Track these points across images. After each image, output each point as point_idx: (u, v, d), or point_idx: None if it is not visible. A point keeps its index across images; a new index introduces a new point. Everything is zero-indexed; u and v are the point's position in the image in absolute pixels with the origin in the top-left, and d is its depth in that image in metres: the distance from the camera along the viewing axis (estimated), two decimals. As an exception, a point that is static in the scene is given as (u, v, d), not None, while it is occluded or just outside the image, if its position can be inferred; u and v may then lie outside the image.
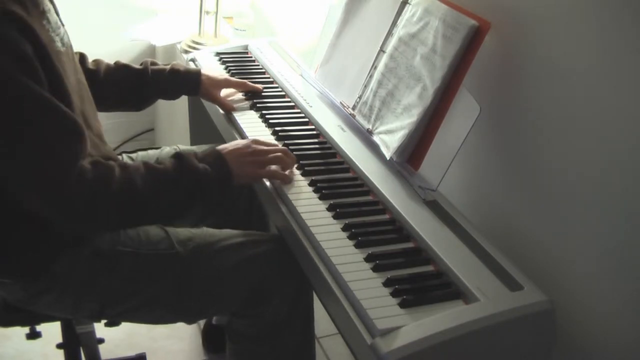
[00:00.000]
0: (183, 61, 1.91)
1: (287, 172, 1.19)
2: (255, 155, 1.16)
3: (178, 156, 1.11)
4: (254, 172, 1.16)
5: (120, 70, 1.41)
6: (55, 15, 1.07)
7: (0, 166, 0.98)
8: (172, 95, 1.49)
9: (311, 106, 1.46)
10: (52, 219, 1.03)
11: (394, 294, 0.93)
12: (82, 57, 1.37)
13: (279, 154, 1.19)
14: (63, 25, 1.12)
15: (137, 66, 1.42)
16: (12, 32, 0.92)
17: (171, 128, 2.37)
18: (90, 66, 1.37)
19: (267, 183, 1.20)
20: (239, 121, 1.41)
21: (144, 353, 1.55)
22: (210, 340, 1.77)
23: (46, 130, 0.97)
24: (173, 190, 1.08)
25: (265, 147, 1.19)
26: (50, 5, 1.07)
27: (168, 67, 1.44)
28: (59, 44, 1.04)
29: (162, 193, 1.07)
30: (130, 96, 1.43)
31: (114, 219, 1.06)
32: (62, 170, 0.98)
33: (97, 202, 1.01)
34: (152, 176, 1.07)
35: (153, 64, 1.44)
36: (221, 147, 1.17)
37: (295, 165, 1.23)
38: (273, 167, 1.19)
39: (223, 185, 1.13)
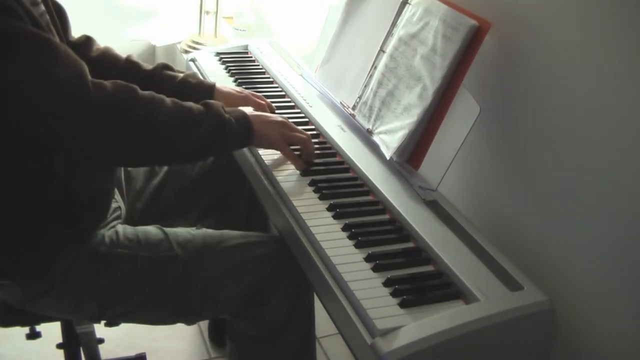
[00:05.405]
0: (183, 61, 1.91)
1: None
2: (281, 126, 1.20)
3: (206, 102, 1.11)
4: (276, 139, 1.19)
5: (127, 67, 1.30)
6: (42, 6, 1.03)
7: (15, 114, 0.94)
8: None
9: (311, 106, 1.46)
10: (75, 145, 0.99)
11: (394, 294, 0.93)
12: (89, 41, 1.29)
13: (304, 136, 1.22)
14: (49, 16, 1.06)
15: (147, 67, 1.32)
16: None
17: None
18: (94, 53, 1.28)
19: (266, 182, 1.20)
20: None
21: (144, 353, 1.54)
22: (217, 333, 1.76)
23: (42, 60, 0.92)
24: (194, 129, 1.06)
25: (293, 126, 1.23)
26: None
27: (180, 75, 1.32)
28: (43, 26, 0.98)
29: (183, 128, 1.05)
30: None
31: (127, 142, 1.01)
32: (73, 86, 0.94)
33: (118, 113, 0.98)
34: (178, 108, 1.05)
35: (166, 67, 1.33)
36: (249, 110, 1.19)
37: (313, 160, 1.24)
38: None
39: (242, 140, 1.15)
